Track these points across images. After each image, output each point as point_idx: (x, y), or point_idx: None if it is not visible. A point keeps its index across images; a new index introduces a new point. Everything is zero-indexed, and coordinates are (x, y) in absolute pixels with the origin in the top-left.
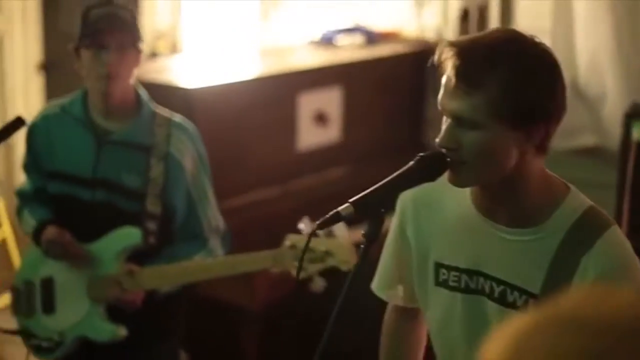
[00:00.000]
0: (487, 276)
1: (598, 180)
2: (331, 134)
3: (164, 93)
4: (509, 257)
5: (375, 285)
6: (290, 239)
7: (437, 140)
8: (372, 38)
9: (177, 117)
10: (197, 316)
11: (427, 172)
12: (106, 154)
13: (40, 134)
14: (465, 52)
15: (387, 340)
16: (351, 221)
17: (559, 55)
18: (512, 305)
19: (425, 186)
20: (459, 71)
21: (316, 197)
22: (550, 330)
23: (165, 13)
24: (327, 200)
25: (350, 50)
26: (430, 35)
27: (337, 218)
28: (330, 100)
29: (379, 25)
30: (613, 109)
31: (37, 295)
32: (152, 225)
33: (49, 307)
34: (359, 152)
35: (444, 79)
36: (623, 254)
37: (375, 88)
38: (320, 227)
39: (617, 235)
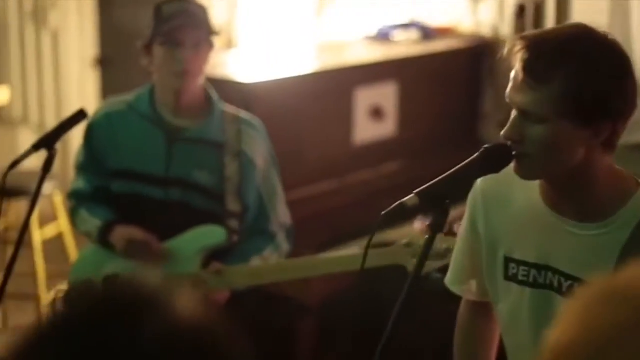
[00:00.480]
0: (555, 271)
1: None
2: (387, 128)
3: (221, 88)
4: (577, 252)
5: (449, 280)
6: (407, 237)
7: (503, 132)
8: (428, 34)
9: (244, 114)
10: (252, 308)
11: (491, 163)
12: (178, 152)
13: (102, 131)
14: (535, 46)
15: (461, 336)
16: (417, 212)
17: None
18: None
19: (495, 179)
20: (527, 65)
21: (371, 192)
22: (612, 302)
23: (221, 9)
24: (383, 195)
25: (406, 46)
26: (485, 31)
27: (402, 209)
28: (386, 95)
29: (434, 21)
30: None
31: None
32: (234, 224)
33: None
34: (414, 147)
35: (513, 73)
36: None
37: (430, 83)
38: (386, 217)
39: None
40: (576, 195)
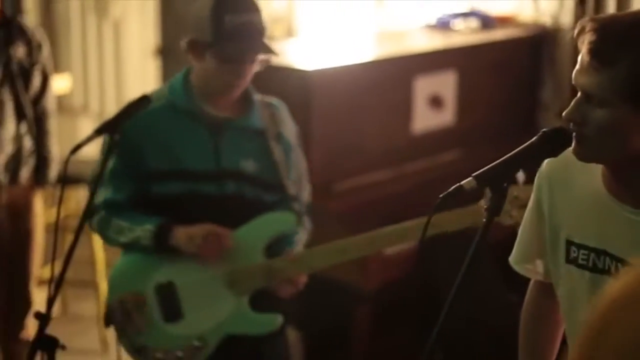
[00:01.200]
0: (612, 256)
1: None
2: (445, 117)
3: (282, 75)
4: (633, 237)
5: (513, 259)
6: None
7: (564, 113)
8: (488, 22)
9: (269, 98)
10: (308, 295)
11: (549, 147)
12: (226, 144)
13: (138, 133)
14: (602, 29)
15: (527, 316)
16: (473, 195)
17: None
18: None
19: (562, 162)
20: (593, 47)
21: (430, 180)
22: None
23: None
24: (441, 184)
25: (465, 35)
26: (546, 20)
27: (460, 191)
28: (446, 83)
29: (494, 9)
30: None
31: (154, 305)
32: (298, 207)
33: (173, 314)
34: (472, 137)
35: (580, 55)
36: None
37: (490, 72)
38: (444, 200)
39: None
40: (634, 181)
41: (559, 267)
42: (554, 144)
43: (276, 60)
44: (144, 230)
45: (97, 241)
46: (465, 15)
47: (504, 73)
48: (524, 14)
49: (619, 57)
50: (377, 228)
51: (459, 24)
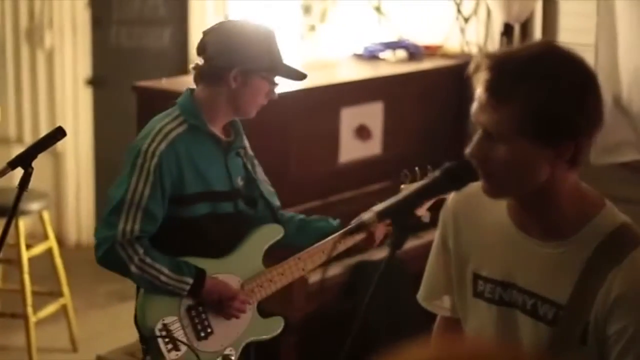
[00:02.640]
0: (520, 289)
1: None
2: (372, 148)
3: None
4: (540, 270)
5: (421, 296)
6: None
7: (467, 151)
8: (416, 52)
9: None
10: None
11: (453, 181)
12: (230, 164)
13: (175, 160)
14: (497, 66)
15: None
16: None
17: (602, 71)
18: (543, 319)
19: (466, 196)
20: (489, 85)
21: (356, 211)
22: None
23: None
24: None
25: (393, 65)
26: (473, 49)
27: (362, 226)
28: (373, 114)
29: (422, 39)
30: None
31: (188, 326)
32: (282, 217)
33: (205, 331)
34: (399, 167)
35: (477, 92)
36: None
37: (417, 102)
38: (344, 235)
39: None
40: (541, 213)
41: (466, 302)
42: (457, 178)
43: None
44: (181, 282)
45: (26, 272)
46: (393, 45)
47: (431, 103)
48: (451, 44)
49: (515, 94)
50: None
51: (386, 54)
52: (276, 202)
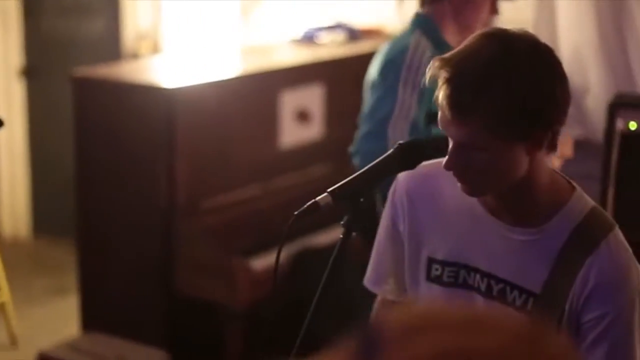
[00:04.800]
0: (484, 273)
1: (583, 171)
2: (313, 131)
3: (146, 93)
4: (510, 256)
5: (368, 280)
6: None
7: (444, 163)
8: (354, 35)
9: None
10: (178, 316)
11: (406, 160)
12: None
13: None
14: (455, 78)
15: None
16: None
17: None
18: (512, 305)
19: (421, 175)
20: (451, 101)
21: (298, 195)
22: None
23: (147, 14)
24: (310, 198)
25: (331, 48)
26: None
27: (315, 208)
28: (312, 97)
29: (360, 22)
30: (597, 102)
31: None
32: None
33: None
34: (341, 149)
35: (439, 101)
36: (626, 257)
37: (357, 85)
38: (299, 217)
39: (621, 237)
40: (515, 200)
41: (418, 286)
42: (410, 157)
43: (141, 79)
44: None
45: None
46: (331, 28)
47: None
48: (390, 26)
49: (480, 104)
50: (246, 245)
51: (325, 37)
52: None
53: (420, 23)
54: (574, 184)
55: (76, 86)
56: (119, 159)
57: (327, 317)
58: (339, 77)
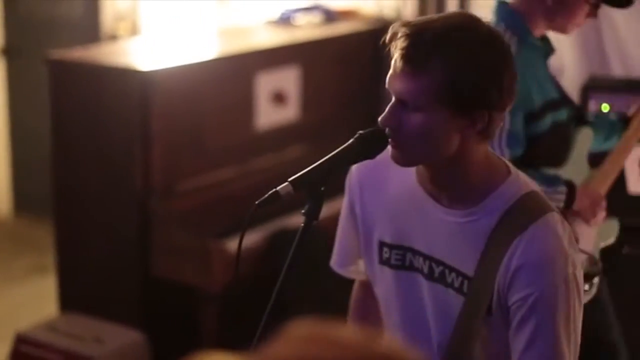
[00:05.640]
0: (426, 256)
1: None
2: (289, 113)
3: (121, 76)
4: (447, 238)
5: (335, 263)
6: None
7: (380, 119)
8: (331, 16)
9: None
10: (154, 297)
11: (366, 149)
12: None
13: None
14: (414, 34)
15: (354, 317)
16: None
17: None
18: (451, 286)
19: (371, 164)
20: (405, 53)
21: (275, 176)
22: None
23: None
24: (285, 179)
25: (308, 29)
26: (388, 13)
27: (276, 197)
28: (289, 79)
29: (337, 3)
30: (571, 84)
31: None
32: None
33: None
34: (317, 131)
35: (393, 59)
36: (555, 241)
37: (333, 66)
38: (259, 206)
39: (554, 223)
40: (449, 182)
41: (374, 268)
42: (371, 146)
43: (116, 61)
44: (556, 192)
45: None
46: (307, 9)
47: (347, 67)
48: (367, 8)
49: (431, 63)
50: (222, 227)
51: (301, 18)
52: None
53: (506, 16)
54: (512, 168)
55: (52, 69)
56: (95, 142)
57: (299, 301)
58: (315, 58)
